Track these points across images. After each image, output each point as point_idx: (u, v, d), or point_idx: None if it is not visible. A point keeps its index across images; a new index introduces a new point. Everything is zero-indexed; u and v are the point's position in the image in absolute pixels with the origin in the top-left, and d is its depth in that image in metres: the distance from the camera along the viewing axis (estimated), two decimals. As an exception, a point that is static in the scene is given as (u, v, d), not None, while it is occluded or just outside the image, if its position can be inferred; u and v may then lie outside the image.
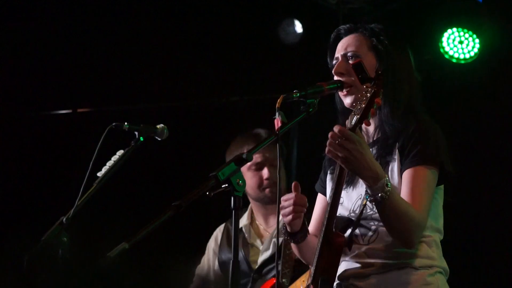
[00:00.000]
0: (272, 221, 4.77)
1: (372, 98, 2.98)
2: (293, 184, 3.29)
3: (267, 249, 4.65)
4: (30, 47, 6.52)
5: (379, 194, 2.97)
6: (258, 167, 4.71)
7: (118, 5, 6.52)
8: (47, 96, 6.84)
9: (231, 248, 4.75)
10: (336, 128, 2.98)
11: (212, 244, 4.90)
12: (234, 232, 2.71)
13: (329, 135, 2.98)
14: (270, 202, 4.70)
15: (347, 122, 3.04)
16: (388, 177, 3.05)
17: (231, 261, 2.73)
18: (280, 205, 3.23)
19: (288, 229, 3.30)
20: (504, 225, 6.14)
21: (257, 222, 4.81)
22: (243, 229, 4.78)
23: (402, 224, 3.05)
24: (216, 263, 4.85)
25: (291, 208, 3.21)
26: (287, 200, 3.23)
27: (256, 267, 4.67)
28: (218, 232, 4.91)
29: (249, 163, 4.53)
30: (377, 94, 2.99)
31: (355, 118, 3.01)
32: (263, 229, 4.81)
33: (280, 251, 4.22)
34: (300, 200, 3.22)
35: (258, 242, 4.77)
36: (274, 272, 4.52)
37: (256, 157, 4.61)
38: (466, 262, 5.69)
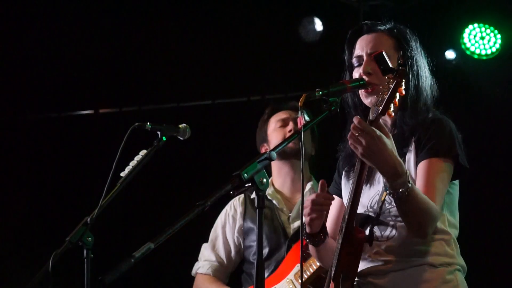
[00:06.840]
0: (294, 186, 4.67)
1: (395, 89, 2.93)
2: (320, 183, 3.26)
3: (298, 217, 4.55)
4: (53, 48, 6.55)
5: (400, 190, 2.96)
6: (284, 124, 4.68)
7: (139, 7, 6.54)
8: (69, 97, 6.88)
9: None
10: (355, 120, 2.93)
11: (230, 211, 4.74)
12: (258, 231, 2.69)
13: (351, 127, 2.95)
14: (293, 154, 4.58)
15: (369, 114, 3.01)
16: (409, 172, 3.04)
17: (256, 261, 2.69)
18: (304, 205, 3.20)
19: (307, 230, 3.25)
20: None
21: (279, 190, 4.73)
22: (269, 197, 4.66)
23: (421, 218, 3.04)
24: (236, 233, 4.70)
25: (308, 208, 3.16)
26: (308, 200, 3.18)
27: (291, 235, 4.59)
28: (237, 201, 4.75)
29: (274, 123, 4.69)
30: (399, 84, 2.95)
31: (376, 110, 2.97)
32: (288, 197, 4.70)
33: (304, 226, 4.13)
34: (321, 200, 3.18)
35: (285, 210, 4.70)
36: None
37: (280, 114, 4.65)
38: (483, 259, 5.65)
